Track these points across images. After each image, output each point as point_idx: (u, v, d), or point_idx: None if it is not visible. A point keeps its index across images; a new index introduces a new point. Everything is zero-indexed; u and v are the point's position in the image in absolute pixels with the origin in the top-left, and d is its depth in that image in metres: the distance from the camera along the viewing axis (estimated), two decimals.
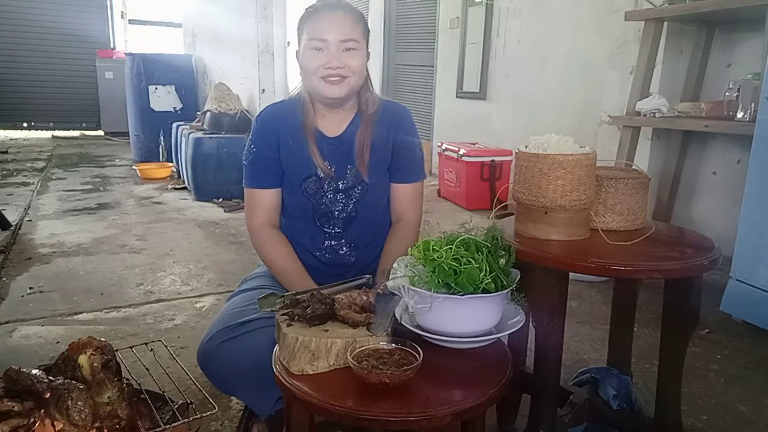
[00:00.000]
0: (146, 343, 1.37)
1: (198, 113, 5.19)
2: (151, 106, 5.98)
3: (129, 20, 9.57)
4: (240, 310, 1.37)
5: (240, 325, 1.31)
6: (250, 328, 1.30)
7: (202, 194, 4.49)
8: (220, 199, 4.43)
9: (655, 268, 1.12)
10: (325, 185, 1.48)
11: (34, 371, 1.05)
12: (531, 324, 1.20)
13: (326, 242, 1.51)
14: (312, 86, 1.42)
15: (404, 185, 1.54)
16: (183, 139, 4.76)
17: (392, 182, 1.54)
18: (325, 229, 1.51)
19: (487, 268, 1.03)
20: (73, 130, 9.10)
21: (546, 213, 1.21)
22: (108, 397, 1.06)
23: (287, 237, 1.52)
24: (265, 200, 1.51)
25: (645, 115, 2.79)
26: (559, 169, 1.17)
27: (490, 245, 1.09)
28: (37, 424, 0.98)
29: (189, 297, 2.54)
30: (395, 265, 1.12)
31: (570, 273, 1.20)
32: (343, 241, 1.51)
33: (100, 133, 8.73)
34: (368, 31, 1.45)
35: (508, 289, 1.06)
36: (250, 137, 1.52)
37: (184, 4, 7.42)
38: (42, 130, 8.97)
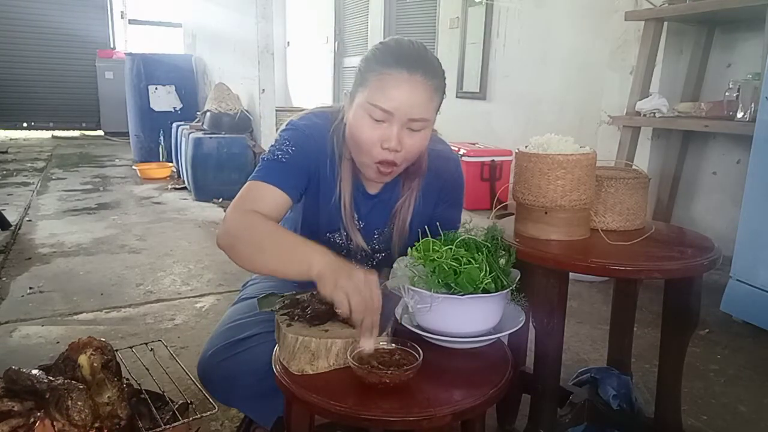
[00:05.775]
0: (146, 343, 1.37)
1: (198, 113, 5.19)
2: (151, 106, 5.98)
3: (129, 20, 9.58)
4: (241, 322, 1.31)
5: (240, 341, 1.25)
6: (251, 344, 1.24)
7: (202, 194, 4.50)
8: (220, 199, 4.43)
9: (655, 268, 1.12)
10: (350, 244, 1.32)
11: (34, 371, 1.05)
12: (531, 324, 1.20)
13: None
14: (357, 160, 1.21)
15: None
16: (183, 139, 4.76)
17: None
18: None
19: (487, 268, 1.03)
20: (73, 130, 9.11)
21: (546, 213, 1.21)
22: (108, 397, 1.06)
23: None
24: (272, 198, 1.16)
25: (645, 115, 2.80)
26: (559, 169, 1.17)
27: (490, 245, 1.08)
28: (37, 424, 0.98)
29: (189, 297, 2.54)
30: (395, 265, 1.12)
31: (570, 273, 1.20)
32: None
33: (100, 133, 8.74)
34: (445, 95, 1.19)
35: (508, 289, 1.06)
36: (289, 138, 1.23)
37: (184, 4, 7.42)
38: (42, 130, 8.98)
